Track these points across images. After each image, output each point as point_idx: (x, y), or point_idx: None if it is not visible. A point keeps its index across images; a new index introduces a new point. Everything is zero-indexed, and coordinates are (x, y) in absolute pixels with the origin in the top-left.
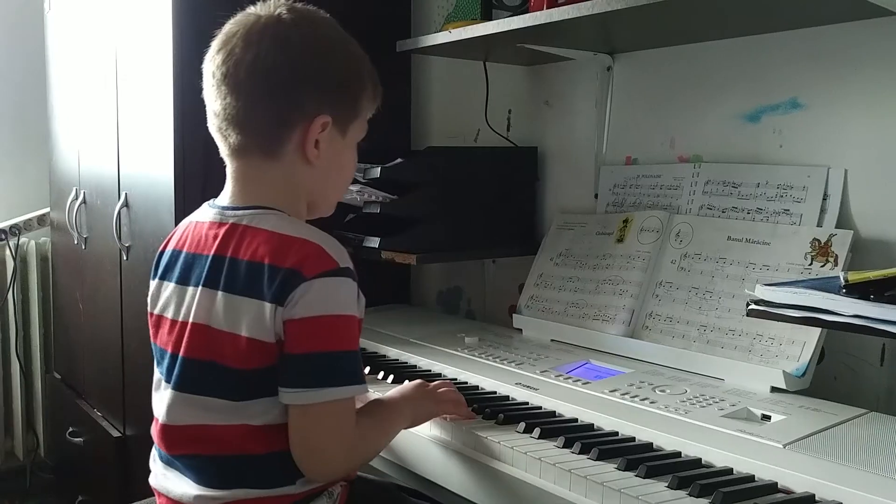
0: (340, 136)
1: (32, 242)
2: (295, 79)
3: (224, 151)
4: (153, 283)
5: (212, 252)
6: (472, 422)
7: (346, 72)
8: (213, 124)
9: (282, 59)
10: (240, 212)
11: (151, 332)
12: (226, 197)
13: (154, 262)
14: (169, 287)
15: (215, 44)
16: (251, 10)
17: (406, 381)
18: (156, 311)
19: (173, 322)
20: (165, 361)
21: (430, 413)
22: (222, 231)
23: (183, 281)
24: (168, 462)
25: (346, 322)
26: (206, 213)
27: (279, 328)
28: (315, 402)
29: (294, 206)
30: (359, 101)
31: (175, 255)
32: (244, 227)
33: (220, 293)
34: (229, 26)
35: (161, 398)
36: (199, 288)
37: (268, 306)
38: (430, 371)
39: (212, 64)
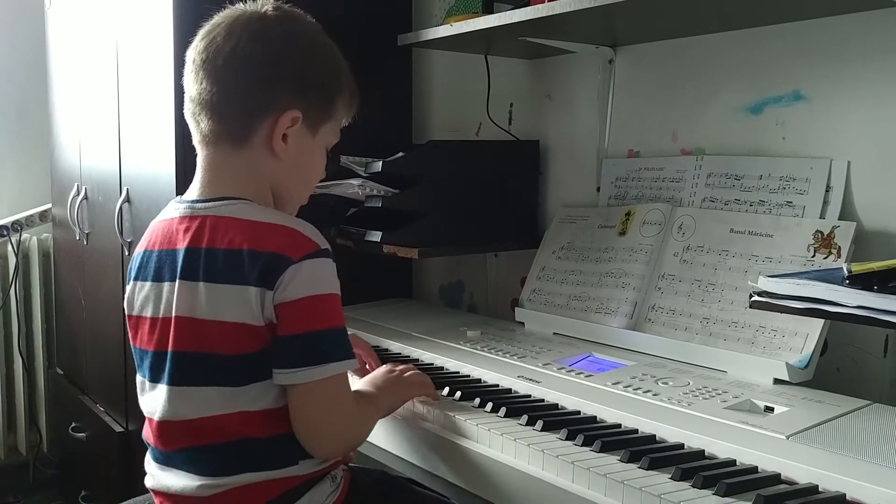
0: (310, 135)
1: (34, 238)
2: (270, 70)
3: (196, 138)
4: (129, 287)
5: (185, 245)
6: (443, 401)
7: (322, 72)
8: (189, 109)
9: (259, 50)
10: (210, 203)
11: (130, 334)
12: (195, 190)
13: (129, 268)
14: (145, 286)
15: (200, 33)
16: (239, 6)
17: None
18: (134, 313)
19: (153, 320)
20: (147, 361)
21: (402, 399)
22: (195, 224)
23: (157, 278)
24: (166, 461)
25: (334, 300)
26: (173, 210)
27: (269, 312)
28: (315, 380)
29: (262, 197)
30: (333, 104)
31: (147, 255)
32: (216, 217)
33: (200, 283)
34: (216, 18)
35: (153, 398)
36: (178, 282)
37: (252, 290)
38: (432, 364)
39: (193, 51)
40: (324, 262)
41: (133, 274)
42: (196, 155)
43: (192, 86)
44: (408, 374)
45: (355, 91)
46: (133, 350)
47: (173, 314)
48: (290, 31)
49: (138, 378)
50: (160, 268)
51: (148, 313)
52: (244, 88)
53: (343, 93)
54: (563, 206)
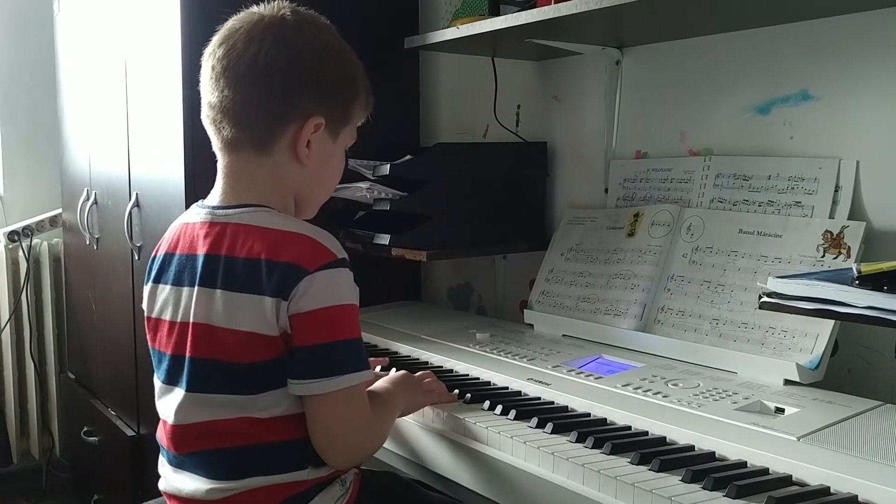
0: (331, 140)
1: (45, 243)
2: (293, 77)
3: (217, 145)
4: (147, 287)
5: (205, 251)
6: (453, 404)
7: (342, 77)
8: (209, 116)
9: (282, 57)
10: (231, 210)
11: (149, 336)
12: (216, 196)
13: (147, 267)
14: (165, 289)
15: (217, 39)
16: (254, 9)
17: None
18: (153, 315)
19: (172, 323)
20: (164, 364)
21: (420, 403)
22: (215, 231)
23: (178, 282)
24: (178, 464)
25: (351, 311)
26: (196, 214)
27: (284, 322)
28: (332, 391)
29: (283, 203)
30: (351, 107)
31: (168, 257)
32: (236, 224)
33: (218, 291)
34: (232, 23)
35: (169, 401)
36: (196, 288)
37: (268, 300)
38: (441, 367)
39: (212, 58)
40: (340, 272)
41: (153, 276)
42: (213, 160)
43: (213, 92)
44: (426, 380)
45: (370, 91)
46: (151, 351)
47: (191, 320)
48: (311, 36)
49: (156, 380)
50: (181, 272)
51: (167, 316)
52: (267, 96)
53: (360, 95)
54: (571, 207)
